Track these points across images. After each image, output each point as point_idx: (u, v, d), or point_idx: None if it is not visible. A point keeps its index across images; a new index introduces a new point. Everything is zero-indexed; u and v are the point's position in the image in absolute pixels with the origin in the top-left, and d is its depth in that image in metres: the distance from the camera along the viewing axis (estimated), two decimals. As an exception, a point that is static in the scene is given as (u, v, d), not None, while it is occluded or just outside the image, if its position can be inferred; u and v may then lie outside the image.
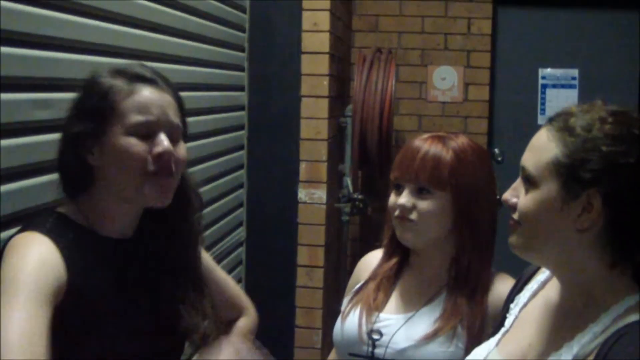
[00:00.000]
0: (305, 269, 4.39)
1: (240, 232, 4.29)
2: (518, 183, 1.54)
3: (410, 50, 5.48)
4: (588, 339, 1.41)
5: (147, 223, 1.78)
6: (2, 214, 1.86)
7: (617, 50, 5.44)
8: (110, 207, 1.69)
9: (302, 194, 4.37)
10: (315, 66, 4.32)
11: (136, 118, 1.62)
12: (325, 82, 4.32)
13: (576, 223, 1.42)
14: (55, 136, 1.74)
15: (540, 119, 5.50)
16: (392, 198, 2.09)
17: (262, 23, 4.30)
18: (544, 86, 5.54)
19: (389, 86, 4.75)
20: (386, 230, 2.20)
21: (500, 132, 5.56)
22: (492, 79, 5.51)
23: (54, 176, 1.76)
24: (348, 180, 4.75)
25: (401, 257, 2.18)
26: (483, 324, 1.99)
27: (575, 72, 5.50)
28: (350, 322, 2.12)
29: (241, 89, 4.25)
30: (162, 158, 1.63)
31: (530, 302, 1.66)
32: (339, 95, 4.88)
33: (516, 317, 1.66)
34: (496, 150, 5.18)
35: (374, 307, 2.11)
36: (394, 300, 2.14)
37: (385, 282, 2.16)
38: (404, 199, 2.04)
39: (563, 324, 1.50)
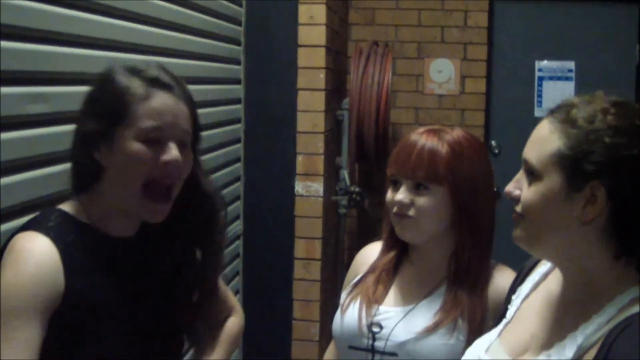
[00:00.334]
0: (302, 262, 4.39)
1: (237, 226, 4.29)
2: (520, 175, 1.52)
3: (406, 43, 5.48)
4: (592, 329, 1.40)
5: (151, 223, 1.77)
6: (1, 207, 1.87)
7: (613, 43, 5.44)
8: (113, 205, 1.68)
9: (299, 186, 4.37)
10: (311, 59, 4.32)
11: (148, 124, 1.61)
12: (322, 75, 4.32)
13: (580, 215, 1.42)
14: (52, 130, 1.74)
15: (537, 111, 5.51)
16: (390, 194, 2.08)
17: (259, 16, 4.30)
18: (541, 78, 5.54)
19: (386, 79, 4.75)
20: (385, 225, 2.19)
21: (497, 125, 5.57)
22: (488, 72, 5.51)
23: (51, 169, 1.76)
24: (345, 173, 4.75)
25: (400, 251, 2.17)
26: (484, 316, 1.98)
27: (571, 64, 5.51)
28: (350, 315, 2.12)
29: (237, 82, 4.25)
30: (169, 167, 1.63)
31: (532, 294, 1.66)
32: (336, 88, 4.87)
33: (518, 309, 1.66)
34: (493, 143, 5.20)
35: (374, 299, 2.11)
36: (393, 293, 2.13)
37: (384, 275, 2.16)
38: (402, 195, 2.04)
39: (566, 314, 1.50)
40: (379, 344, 2.04)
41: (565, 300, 1.53)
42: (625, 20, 5.41)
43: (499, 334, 1.65)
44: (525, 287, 1.68)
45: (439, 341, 1.97)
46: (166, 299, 1.78)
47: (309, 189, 4.36)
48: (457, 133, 2.07)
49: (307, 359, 4.36)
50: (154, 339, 1.74)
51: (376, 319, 2.07)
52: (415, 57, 5.50)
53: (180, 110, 1.67)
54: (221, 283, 2.05)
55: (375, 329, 2.05)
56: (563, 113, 1.46)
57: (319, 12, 4.29)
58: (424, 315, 2.03)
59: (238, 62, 4.24)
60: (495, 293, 2.00)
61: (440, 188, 2.01)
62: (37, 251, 1.54)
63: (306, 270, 4.39)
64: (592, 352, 1.38)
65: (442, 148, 2.01)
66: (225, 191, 3.97)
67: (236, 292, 4.16)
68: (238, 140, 4.26)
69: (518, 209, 1.52)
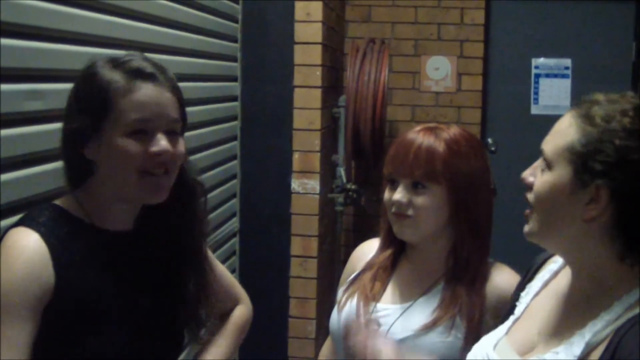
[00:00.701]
0: (299, 260, 4.39)
1: (234, 223, 4.29)
2: (538, 163, 1.54)
3: (403, 40, 5.48)
4: (600, 326, 1.41)
5: (147, 215, 1.77)
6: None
7: (610, 40, 5.44)
8: (107, 199, 1.68)
9: (296, 184, 4.37)
10: (308, 56, 4.31)
11: (133, 117, 1.60)
12: (318, 72, 4.32)
13: (583, 212, 1.42)
14: (49, 127, 1.73)
15: (534, 109, 5.50)
16: (387, 193, 2.08)
17: (255, 13, 4.30)
18: (537, 76, 5.54)
19: (382, 76, 4.75)
20: (382, 223, 2.19)
21: (494, 122, 5.56)
22: (485, 69, 5.50)
23: (48, 167, 1.75)
24: (341, 171, 4.75)
25: (397, 248, 2.17)
26: (482, 314, 1.98)
27: (568, 61, 5.50)
28: (347, 312, 2.11)
29: (234, 79, 4.24)
30: (159, 158, 1.62)
31: (542, 292, 1.66)
32: (332, 85, 4.87)
33: (527, 306, 1.66)
34: (489, 140, 5.19)
35: (371, 297, 2.10)
36: (390, 291, 2.13)
37: (381, 272, 2.15)
38: (399, 194, 2.03)
39: (574, 312, 1.50)
40: None
41: (573, 298, 1.53)
42: (621, 17, 5.40)
43: (507, 331, 1.65)
44: (535, 284, 1.68)
45: (436, 338, 1.97)
46: (163, 292, 1.78)
47: (305, 187, 4.36)
48: (453, 131, 2.07)
49: (304, 357, 4.37)
50: (151, 333, 1.73)
51: (374, 316, 2.07)
52: (412, 54, 5.49)
53: (166, 99, 1.66)
54: (227, 273, 2.07)
55: (373, 327, 2.05)
56: (585, 109, 1.46)
57: (316, 9, 4.28)
58: (421, 312, 2.03)
59: (234, 60, 4.23)
60: (494, 291, 2.00)
61: (438, 186, 2.00)
62: (26, 248, 1.54)
63: (302, 268, 4.39)
64: (600, 350, 1.39)
65: (440, 146, 2.01)
66: (221, 188, 3.97)
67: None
68: (234, 138, 4.26)
69: (529, 196, 1.53)
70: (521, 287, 1.76)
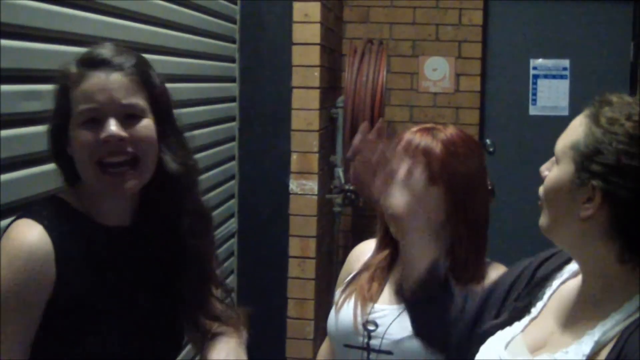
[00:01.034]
0: (297, 260, 4.39)
1: (232, 224, 4.29)
2: (554, 158, 1.55)
3: (401, 41, 5.48)
4: (609, 326, 1.41)
5: (144, 211, 1.75)
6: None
7: (608, 41, 5.44)
8: (96, 195, 1.67)
9: (294, 185, 4.36)
10: (306, 57, 4.31)
11: (83, 107, 1.60)
12: (317, 73, 4.32)
13: (580, 210, 1.43)
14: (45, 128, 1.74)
15: (532, 110, 5.51)
16: None
17: (253, 14, 4.30)
18: (535, 77, 5.55)
19: (380, 77, 4.75)
20: (379, 224, 2.19)
21: (492, 123, 5.56)
22: (483, 70, 5.51)
23: (46, 167, 1.76)
24: (340, 171, 4.76)
25: (394, 249, 2.17)
26: None
27: (566, 62, 5.51)
28: (345, 313, 2.11)
29: (232, 80, 4.24)
30: (109, 144, 1.59)
31: (558, 291, 1.65)
32: (330, 86, 4.87)
33: (545, 305, 1.66)
34: (488, 141, 5.20)
35: (369, 297, 2.10)
36: (388, 291, 2.12)
37: (379, 272, 2.15)
38: None
39: (584, 313, 1.50)
40: (374, 342, 2.04)
41: (584, 299, 1.53)
42: (619, 18, 5.41)
43: (523, 329, 1.64)
44: (554, 284, 1.68)
45: None
46: (162, 290, 1.76)
47: (303, 187, 4.36)
48: (450, 131, 2.06)
49: (302, 358, 4.36)
50: (150, 331, 1.72)
51: (371, 317, 2.07)
52: (410, 55, 5.49)
53: (117, 84, 1.62)
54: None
55: (371, 327, 2.05)
56: (596, 108, 1.47)
57: (314, 10, 4.28)
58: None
59: (233, 60, 4.23)
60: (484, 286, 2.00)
61: (435, 186, 2.00)
62: (30, 240, 1.54)
63: (301, 269, 4.39)
64: (607, 349, 1.39)
65: (437, 147, 2.01)
66: (219, 189, 3.97)
67: (231, 291, 4.15)
68: (233, 139, 4.26)
69: (540, 190, 1.55)
70: (542, 283, 1.74)
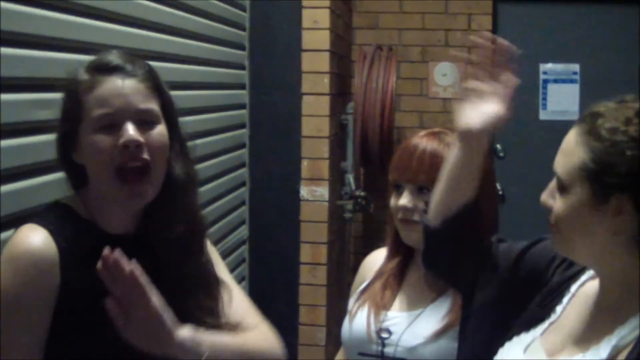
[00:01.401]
0: (308, 267, 4.39)
1: (243, 231, 4.29)
2: (554, 184, 1.52)
3: (410, 47, 5.48)
4: (628, 330, 1.41)
5: (149, 219, 1.74)
6: (1, 214, 1.87)
7: (618, 45, 5.43)
8: (101, 202, 1.67)
9: (304, 191, 4.37)
10: (315, 64, 4.32)
11: (98, 113, 1.59)
12: (326, 79, 4.32)
13: (610, 226, 1.41)
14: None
15: (542, 114, 5.50)
16: (393, 199, 2.09)
17: (263, 21, 4.31)
18: (545, 81, 5.53)
19: (390, 83, 4.76)
20: (388, 231, 2.19)
21: (502, 128, 5.55)
22: (493, 75, 5.49)
23: (53, 176, 1.76)
24: (350, 178, 4.76)
25: (406, 255, 2.17)
26: None
27: (576, 67, 5.50)
28: (359, 321, 2.12)
29: (242, 87, 4.25)
30: (129, 149, 1.59)
31: (576, 295, 1.65)
32: (340, 92, 4.87)
33: (564, 309, 1.66)
34: (498, 146, 5.19)
35: (382, 305, 2.11)
36: (401, 298, 2.13)
37: (391, 280, 2.15)
38: (405, 199, 2.04)
39: (603, 317, 1.50)
40: (388, 350, 2.04)
41: (602, 304, 1.52)
42: (629, 22, 5.39)
43: (543, 332, 1.64)
44: (573, 288, 1.67)
45: (448, 344, 1.97)
46: (166, 297, 1.74)
47: (314, 194, 4.36)
48: None
49: (314, 364, 4.37)
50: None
51: (385, 324, 2.07)
52: (420, 60, 5.49)
53: (132, 89, 1.63)
54: (242, 303, 1.92)
55: (384, 335, 2.05)
56: (589, 123, 1.45)
57: (323, 17, 4.29)
58: (432, 319, 2.03)
59: (242, 67, 4.24)
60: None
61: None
62: (35, 245, 1.54)
63: (312, 275, 4.39)
64: (626, 352, 1.39)
65: (443, 150, 2.01)
66: (230, 196, 3.97)
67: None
68: (243, 146, 4.27)
69: (551, 219, 1.52)
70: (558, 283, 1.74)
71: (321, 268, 4.39)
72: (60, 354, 1.57)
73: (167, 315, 1.56)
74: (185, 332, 1.60)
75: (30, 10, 2.01)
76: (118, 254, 1.50)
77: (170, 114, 1.71)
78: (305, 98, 4.33)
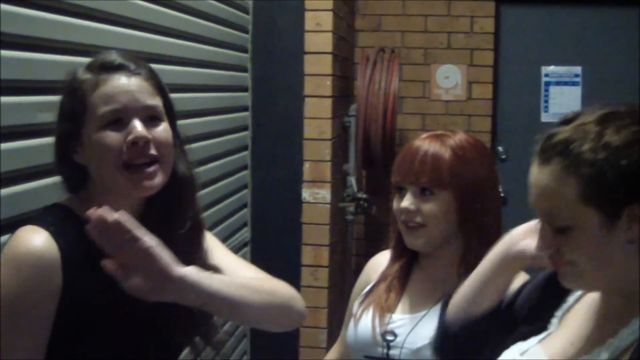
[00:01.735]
0: (310, 269, 4.39)
1: (245, 233, 4.29)
2: (546, 231, 1.46)
3: (413, 49, 5.49)
4: (629, 332, 1.40)
5: (148, 217, 1.74)
6: (1, 217, 1.87)
7: (620, 47, 5.43)
8: (105, 201, 1.67)
9: (306, 193, 4.37)
10: (318, 66, 4.32)
11: (105, 109, 1.59)
12: (329, 82, 4.32)
13: (627, 236, 1.38)
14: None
15: (544, 117, 5.51)
16: (396, 202, 2.08)
17: (265, 24, 4.31)
18: (547, 84, 5.54)
19: (392, 85, 4.76)
20: (392, 233, 2.20)
21: (504, 130, 5.56)
22: (495, 77, 5.51)
23: (54, 179, 1.76)
24: (352, 180, 4.76)
25: (409, 258, 2.17)
26: None
27: (578, 69, 5.50)
28: (363, 324, 2.12)
29: (244, 89, 4.26)
30: (137, 145, 1.60)
31: (575, 305, 1.64)
32: (343, 95, 4.88)
33: (561, 319, 1.65)
34: (500, 149, 5.19)
35: (386, 308, 2.11)
36: (405, 300, 2.13)
37: (395, 282, 2.15)
38: (407, 202, 2.04)
39: (606, 322, 1.49)
40: (394, 352, 2.04)
41: (605, 309, 1.51)
42: (631, 24, 5.39)
43: (539, 341, 1.64)
44: (570, 299, 1.66)
45: None
46: None
47: (316, 196, 4.36)
48: (459, 137, 2.07)
49: (316, 366, 4.37)
50: (156, 334, 1.71)
51: (390, 327, 2.07)
52: (422, 63, 5.50)
53: (137, 86, 1.64)
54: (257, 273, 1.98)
55: (390, 338, 2.05)
56: (563, 157, 1.40)
57: (326, 19, 4.29)
58: (436, 320, 2.02)
59: (245, 70, 4.25)
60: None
61: (445, 192, 2.01)
62: (36, 246, 1.53)
63: (314, 277, 4.39)
64: (629, 352, 1.38)
65: (445, 152, 2.02)
66: (232, 198, 3.98)
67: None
68: (245, 148, 4.27)
69: (560, 263, 1.46)
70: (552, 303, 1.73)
71: (323, 270, 4.39)
72: (63, 356, 1.57)
73: (164, 252, 1.53)
74: (186, 269, 1.57)
75: (29, 12, 2.01)
76: (101, 207, 1.50)
77: (171, 113, 1.72)
78: (307, 100, 4.33)
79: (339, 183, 4.70)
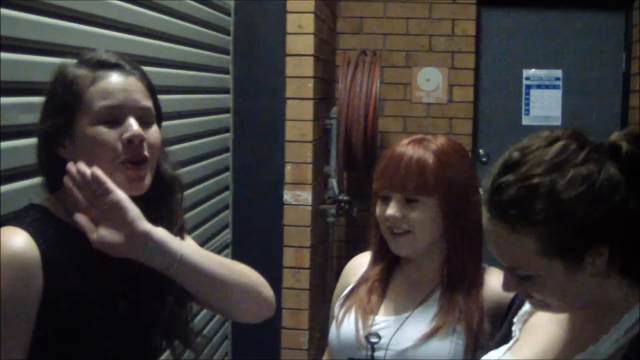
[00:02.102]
0: (291, 271, 4.39)
1: (226, 235, 4.29)
2: (510, 276, 1.47)
3: (394, 52, 5.50)
4: (612, 339, 1.40)
5: None
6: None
7: (601, 51, 5.47)
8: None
9: (288, 195, 4.37)
10: (300, 69, 4.32)
11: (101, 104, 1.59)
12: (310, 84, 4.33)
13: (592, 270, 1.38)
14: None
15: (525, 120, 5.54)
16: (379, 209, 2.07)
17: (247, 26, 4.31)
18: (528, 87, 5.57)
19: (374, 88, 4.77)
20: (373, 238, 2.18)
21: (485, 133, 5.59)
22: (476, 80, 5.53)
23: (32, 181, 1.75)
24: (334, 182, 4.76)
25: (391, 261, 2.17)
26: (481, 319, 1.98)
27: (559, 72, 5.53)
28: (346, 327, 2.11)
29: (226, 91, 4.25)
30: (133, 143, 1.59)
31: (535, 312, 1.64)
32: (324, 97, 4.88)
33: (523, 325, 1.66)
34: (481, 151, 5.22)
35: (369, 310, 2.10)
36: (388, 302, 2.12)
37: (377, 284, 2.14)
38: (393, 210, 2.02)
39: (583, 330, 1.48)
40: (378, 354, 2.03)
41: (579, 318, 1.51)
42: (612, 28, 5.44)
43: (509, 349, 1.64)
44: (526, 306, 1.67)
45: (438, 346, 1.97)
46: (146, 297, 1.74)
47: (297, 198, 4.37)
48: (440, 141, 2.07)
49: (297, 368, 4.37)
50: (138, 334, 1.71)
51: (373, 329, 2.07)
52: (403, 65, 5.52)
53: (133, 85, 1.64)
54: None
55: (374, 340, 2.05)
56: (516, 215, 1.39)
57: (308, 21, 4.30)
58: (421, 322, 2.03)
59: (227, 72, 4.24)
60: (491, 295, 2.00)
61: (431, 199, 2.01)
62: (16, 246, 1.52)
63: (295, 279, 4.39)
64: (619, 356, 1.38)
65: (430, 158, 2.01)
66: (214, 200, 3.97)
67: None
68: (227, 150, 4.26)
69: (535, 303, 1.50)
70: (512, 311, 1.75)
71: (304, 272, 4.39)
72: (44, 356, 1.56)
73: (134, 207, 1.56)
74: (155, 227, 1.60)
75: (21, 15, 2.02)
76: (80, 164, 1.56)
77: (160, 115, 1.73)
78: (289, 102, 4.34)
79: (320, 185, 4.70)
